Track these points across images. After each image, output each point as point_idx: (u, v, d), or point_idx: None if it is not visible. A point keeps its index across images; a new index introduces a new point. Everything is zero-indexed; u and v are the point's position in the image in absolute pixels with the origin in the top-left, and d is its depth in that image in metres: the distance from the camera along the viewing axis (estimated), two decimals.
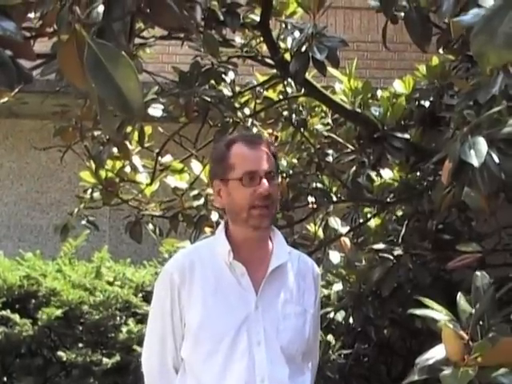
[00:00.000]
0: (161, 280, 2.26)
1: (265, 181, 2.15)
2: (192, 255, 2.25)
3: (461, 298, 2.06)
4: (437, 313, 2.04)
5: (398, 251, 3.85)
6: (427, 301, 2.10)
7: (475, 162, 2.10)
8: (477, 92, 2.64)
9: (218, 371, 2.12)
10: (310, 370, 2.28)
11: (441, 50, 3.56)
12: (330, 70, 3.55)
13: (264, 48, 3.86)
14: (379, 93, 3.99)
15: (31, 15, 1.80)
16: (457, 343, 1.94)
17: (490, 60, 1.13)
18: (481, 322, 2.00)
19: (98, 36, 1.23)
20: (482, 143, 2.13)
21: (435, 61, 3.82)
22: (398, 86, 3.90)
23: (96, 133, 3.87)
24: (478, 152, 2.11)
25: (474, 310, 2.01)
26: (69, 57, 1.16)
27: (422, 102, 3.78)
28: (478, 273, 2.11)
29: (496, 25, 1.10)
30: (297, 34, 3.46)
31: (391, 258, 3.85)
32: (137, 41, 3.65)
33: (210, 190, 3.77)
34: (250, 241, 2.22)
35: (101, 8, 1.34)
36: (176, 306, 2.17)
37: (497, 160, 2.16)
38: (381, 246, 3.95)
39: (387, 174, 4.08)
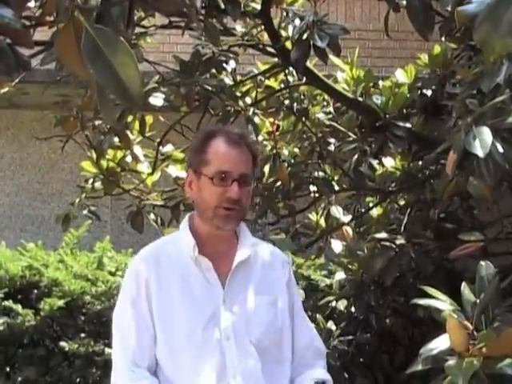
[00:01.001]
0: (127, 274, 2.21)
1: (236, 184, 2.08)
2: (157, 250, 2.21)
3: (465, 288, 2.04)
4: (441, 302, 2.03)
5: (400, 240, 3.83)
6: (431, 290, 2.09)
7: (480, 152, 2.08)
8: (480, 81, 2.62)
9: (189, 367, 2.07)
10: (290, 360, 2.19)
11: (443, 39, 3.54)
12: (332, 58, 3.52)
13: (265, 36, 3.84)
14: (381, 82, 3.96)
15: (31, 4, 1.78)
16: (461, 333, 1.93)
17: (494, 48, 1.11)
18: (485, 312, 1.99)
19: (96, 22, 1.21)
20: (486, 133, 2.11)
21: (437, 49, 3.80)
22: (400, 75, 3.88)
23: (97, 122, 3.86)
24: (483, 142, 2.08)
25: (478, 300, 2.00)
26: (66, 43, 1.14)
27: (424, 91, 3.76)
28: (482, 262, 2.09)
29: (501, 13, 1.08)
30: (298, 21, 3.43)
31: (393, 246, 3.84)
32: (137, 30, 3.63)
33: None
34: (214, 237, 2.17)
35: None
36: (144, 295, 2.10)
37: (501, 150, 2.14)
38: (383, 235, 3.93)
39: (389, 162, 4.05)
